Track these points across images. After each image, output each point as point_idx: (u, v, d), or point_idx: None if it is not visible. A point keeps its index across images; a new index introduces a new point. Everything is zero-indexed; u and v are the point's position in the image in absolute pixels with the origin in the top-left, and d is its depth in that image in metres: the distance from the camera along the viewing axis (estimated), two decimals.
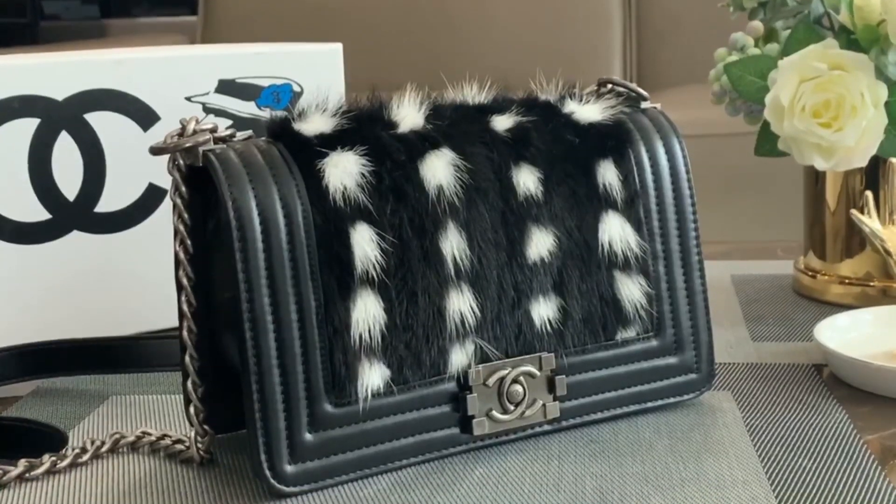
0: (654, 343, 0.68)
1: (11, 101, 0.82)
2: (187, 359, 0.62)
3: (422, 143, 0.62)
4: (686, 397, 0.69)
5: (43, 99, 0.83)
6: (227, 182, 0.58)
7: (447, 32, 2.33)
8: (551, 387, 0.65)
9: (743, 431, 0.66)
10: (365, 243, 0.59)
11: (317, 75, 0.93)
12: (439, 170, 0.62)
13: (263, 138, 0.62)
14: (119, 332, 0.82)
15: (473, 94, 0.67)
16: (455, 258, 0.62)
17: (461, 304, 0.62)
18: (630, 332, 0.67)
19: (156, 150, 0.60)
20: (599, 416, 0.67)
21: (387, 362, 0.60)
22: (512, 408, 0.64)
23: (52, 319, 0.82)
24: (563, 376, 0.65)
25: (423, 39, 2.33)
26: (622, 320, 0.67)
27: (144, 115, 0.86)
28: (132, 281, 0.87)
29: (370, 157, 0.60)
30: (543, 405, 0.65)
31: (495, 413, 0.64)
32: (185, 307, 0.62)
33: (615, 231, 0.67)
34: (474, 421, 0.63)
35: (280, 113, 0.62)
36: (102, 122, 0.85)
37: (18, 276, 0.82)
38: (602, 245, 0.66)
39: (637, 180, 0.68)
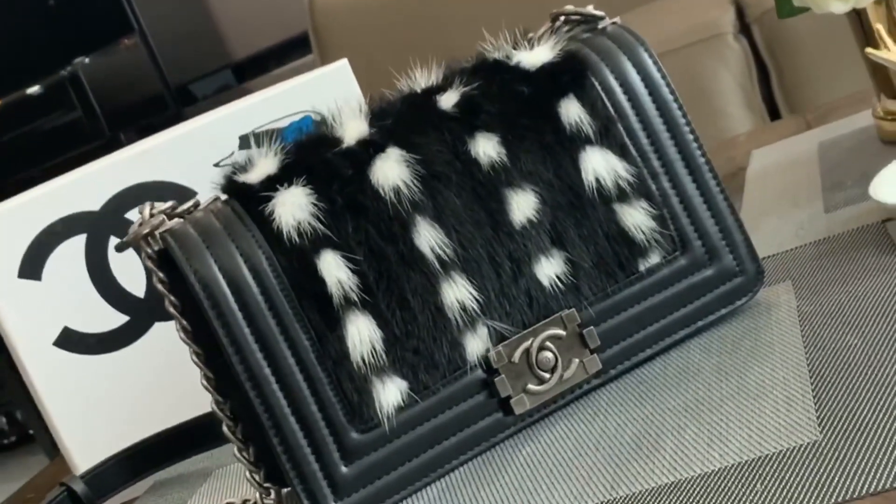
0: (682, 261, 0.65)
1: (54, 227, 0.85)
2: (224, 428, 0.63)
3: (366, 151, 0.61)
4: (738, 303, 0.65)
5: (82, 215, 0.86)
6: (184, 257, 0.59)
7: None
8: (583, 341, 0.63)
9: (795, 323, 0.61)
10: (334, 269, 0.59)
11: (332, 96, 0.92)
12: (391, 171, 0.61)
13: (222, 198, 0.62)
14: None
15: (421, 79, 0.66)
16: (435, 251, 0.60)
17: (456, 293, 0.60)
18: (653, 259, 0.64)
19: (120, 248, 0.62)
20: (649, 352, 0.64)
21: (400, 374, 0.60)
22: (547, 376, 0.62)
23: (154, 412, 0.85)
24: (592, 327, 0.63)
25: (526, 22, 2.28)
26: (637, 251, 0.64)
27: (181, 195, 0.88)
28: None
29: (315, 183, 0.60)
30: (581, 362, 0.62)
31: (532, 386, 0.62)
32: (203, 381, 0.63)
33: (599, 165, 0.64)
34: (512, 401, 0.61)
35: (226, 169, 0.62)
36: None
37: (115, 382, 0.86)
38: (589, 184, 0.63)
39: (609, 105, 0.65)
